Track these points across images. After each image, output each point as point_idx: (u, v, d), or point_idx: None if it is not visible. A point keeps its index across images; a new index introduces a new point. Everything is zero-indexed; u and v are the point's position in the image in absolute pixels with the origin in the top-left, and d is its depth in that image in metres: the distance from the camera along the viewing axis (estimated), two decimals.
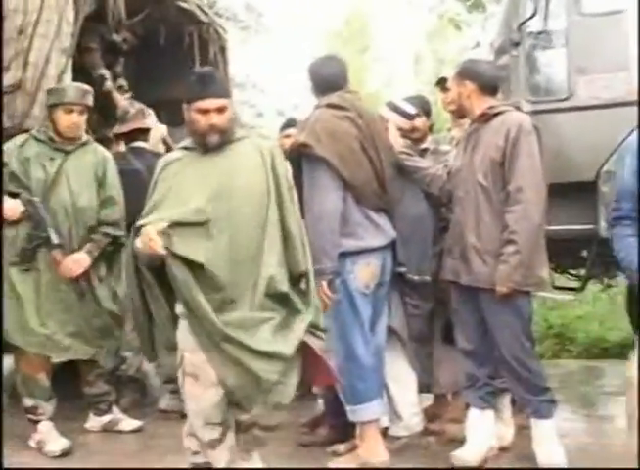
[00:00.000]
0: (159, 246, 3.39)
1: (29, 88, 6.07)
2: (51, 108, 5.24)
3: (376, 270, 4.56)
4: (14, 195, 5.09)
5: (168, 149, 6.55)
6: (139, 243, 3.51)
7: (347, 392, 4.56)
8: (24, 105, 6.10)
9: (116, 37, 6.70)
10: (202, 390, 3.52)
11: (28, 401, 5.21)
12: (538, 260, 4.41)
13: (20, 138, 5.26)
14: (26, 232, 5.05)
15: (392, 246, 4.68)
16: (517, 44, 6.07)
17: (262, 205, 3.63)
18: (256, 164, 3.69)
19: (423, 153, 5.29)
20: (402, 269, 4.80)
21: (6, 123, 6.16)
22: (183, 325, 3.59)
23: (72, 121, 5.23)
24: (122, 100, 6.80)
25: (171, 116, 6.63)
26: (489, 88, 4.66)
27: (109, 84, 7.21)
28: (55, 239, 5.06)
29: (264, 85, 14.96)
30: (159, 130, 6.62)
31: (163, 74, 7.91)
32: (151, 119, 6.30)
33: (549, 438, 4.49)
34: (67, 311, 5.12)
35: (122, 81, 7.47)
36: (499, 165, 4.43)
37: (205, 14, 7.74)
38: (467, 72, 4.69)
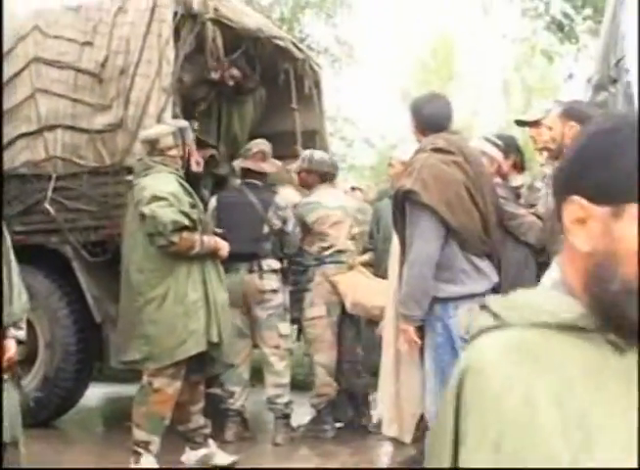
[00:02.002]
0: None
1: (130, 126, 6.24)
2: (186, 145, 5.51)
3: None
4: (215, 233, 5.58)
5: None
6: None
7: None
8: (125, 142, 6.28)
9: (214, 75, 6.81)
10: None
11: (143, 436, 5.27)
12: None
13: (169, 178, 5.39)
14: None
15: (495, 291, 4.62)
16: (615, 81, 5.97)
17: None
18: None
19: (516, 190, 5.23)
20: None
21: (107, 160, 6.35)
22: None
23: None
24: None
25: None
26: None
27: None
28: None
29: (354, 116, 15.04)
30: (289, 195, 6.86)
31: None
32: (270, 164, 6.49)
33: None
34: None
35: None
36: None
37: (300, 50, 7.84)
38: (573, 114, 4.61)
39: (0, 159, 6.14)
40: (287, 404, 6.35)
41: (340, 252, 6.57)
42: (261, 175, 6.47)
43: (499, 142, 5.19)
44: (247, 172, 6.46)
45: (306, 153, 6.89)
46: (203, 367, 5.53)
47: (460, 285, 4.44)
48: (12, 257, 4.05)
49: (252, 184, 6.41)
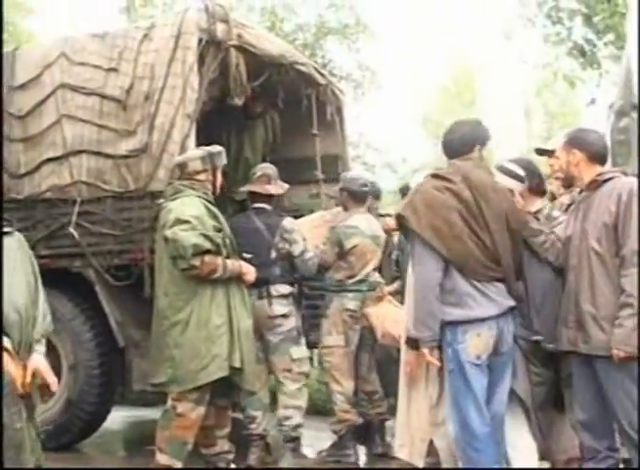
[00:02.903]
0: None
1: (155, 152, 6.31)
2: (215, 170, 5.58)
3: (488, 340, 4.51)
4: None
5: None
6: None
7: (463, 460, 4.56)
8: (149, 168, 6.34)
9: (237, 101, 6.85)
10: None
11: (166, 460, 5.29)
12: None
13: (195, 202, 5.42)
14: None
15: (512, 314, 4.65)
16: (637, 107, 5.98)
17: None
18: None
19: (535, 214, 5.24)
20: (539, 337, 4.76)
21: (131, 185, 6.41)
22: None
23: (222, 180, 5.72)
24: None
25: (289, 174, 6.76)
26: (598, 157, 4.66)
27: None
28: None
29: (376, 141, 15.06)
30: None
31: (282, 135, 8.11)
32: (276, 186, 6.43)
33: None
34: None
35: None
36: (613, 230, 4.41)
37: (323, 76, 7.88)
38: (575, 142, 4.71)
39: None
40: (296, 427, 6.24)
41: (361, 281, 6.52)
42: (269, 198, 6.39)
43: (517, 171, 5.15)
44: (254, 196, 6.43)
45: (344, 173, 7.02)
46: (229, 392, 5.54)
47: (467, 309, 4.49)
48: (39, 282, 4.09)
49: (260, 209, 6.36)
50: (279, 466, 6.23)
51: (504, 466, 4.72)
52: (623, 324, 4.27)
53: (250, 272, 5.55)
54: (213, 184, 5.59)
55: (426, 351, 4.52)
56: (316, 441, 6.59)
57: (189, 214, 5.27)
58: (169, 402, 5.33)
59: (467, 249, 4.47)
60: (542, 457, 5.04)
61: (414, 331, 4.56)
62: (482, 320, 4.49)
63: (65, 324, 6.57)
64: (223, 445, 5.61)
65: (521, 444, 4.81)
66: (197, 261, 5.19)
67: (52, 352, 6.18)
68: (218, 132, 7.64)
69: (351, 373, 6.54)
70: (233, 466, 5.69)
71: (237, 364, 5.29)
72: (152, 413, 7.87)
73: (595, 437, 4.57)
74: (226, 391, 5.50)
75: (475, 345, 4.49)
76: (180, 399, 5.26)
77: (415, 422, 5.03)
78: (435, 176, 4.65)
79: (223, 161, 5.68)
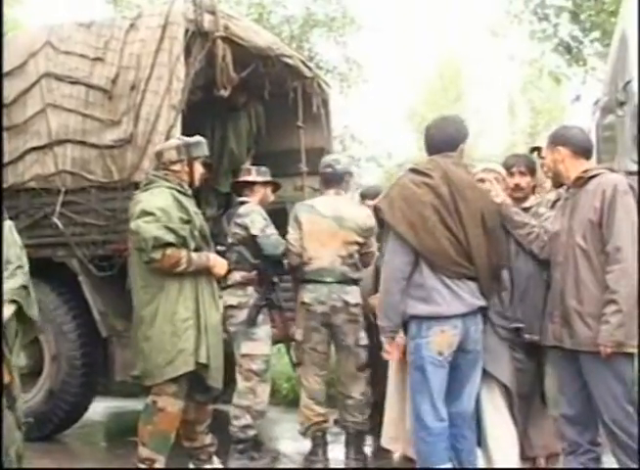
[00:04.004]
0: None
1: (140, 142, 6.30)
2: (190, 160, 5.41)
3: (451, 338, 4.53)
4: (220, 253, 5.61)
5: None
6: None
7: (417, 453, 4.64)
8: (134, 158, 6.33)
9: (224, 92, 6.82)
10: None
11: (147, 453, 5.23)
12: None
13: (163, 193, 5.29)
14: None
15: (481, 314, 4.68)
16: (623, 104, 5.99)
17: None
18: None
19: (525, 212, 5.27)
20: (519, 325, 4.79)
21: (116, 176, 6.40)
22: None
23: (202, 172, 5.54)
24: None
25: (274, 167, 6.74)
26: (582, 152, 4.68)
27: None
28: None
29: (361, 134, 15.03)
30: None
31: (268, 127, 8.10)
32: (256, 175, 6.33)
33: None
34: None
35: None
36: (597, 227, 4.44)
37: (309, 68, 7.87)
38: (558, 139, 4.73)
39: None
40: (244, 428, 5.98)
41: (323, 270, 5.95)
42: (251, 189, 6.27)
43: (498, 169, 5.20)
44: (238, 189, 6.41)
45: None
46: (207, 388, 5.47)
47: (433, 305, 4.52)
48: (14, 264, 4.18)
49: (238, 202, 6.29)
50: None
51: (479, 460, 4.77)
52: (609, 320, 4.30)
53: (219, 265, 5.42)
54: (190, 175, 5.43)
55: (383, 340, 4.63)
56: (300, 436, 6.55)
57: (154, 206, 5.15)
58: (149, 398, 5.30)
59: (439, 244, 4.50)
60: (523, 455, 5.03)
61: (378, 320, 4.68)
62: (448, 317, 4.52)
63: (47, 314, 6.55)
64: (204, 439, 5.57)
65: (501, 434, 4.83)
66: (157, 254, 5.08)
67: (34, 343, 6.20)
68: (203, 123, 7.63)
69: (315, 372, 6.11)
70: (215, 458, 5.67)
71: (202, 360, 5.18)
72: (134, 404, 7.87)
73: (578, 431, 4.59)
74: (204, 387, 5.38)
75: (437, 341, 4.52)
76: (159, 394, 5.21)
77: (409, 415, 5.04)
78: (414, 171, 4.67)
79: (203, 152, 5.51)
